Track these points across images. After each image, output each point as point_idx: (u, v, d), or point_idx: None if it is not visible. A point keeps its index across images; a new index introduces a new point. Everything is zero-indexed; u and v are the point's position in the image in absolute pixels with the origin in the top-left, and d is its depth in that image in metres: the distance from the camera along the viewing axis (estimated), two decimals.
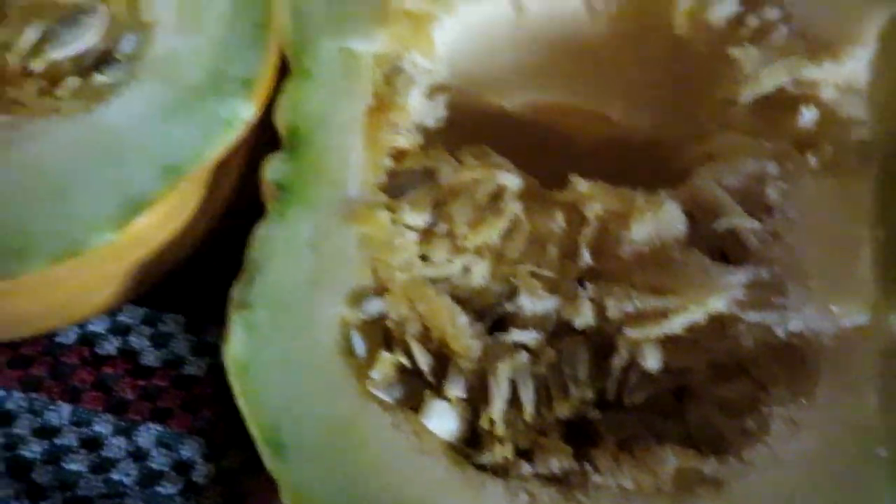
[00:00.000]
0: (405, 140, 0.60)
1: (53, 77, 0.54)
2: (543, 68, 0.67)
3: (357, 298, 0.55)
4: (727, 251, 0.59)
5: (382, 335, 0.56)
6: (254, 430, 0.51)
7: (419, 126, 0.62)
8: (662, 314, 0.56)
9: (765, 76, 0.59)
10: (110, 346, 0.66)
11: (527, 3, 0.66)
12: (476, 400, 0.55)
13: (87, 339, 0.66)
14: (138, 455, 0.63)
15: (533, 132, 0.66)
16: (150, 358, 0.66)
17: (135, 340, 0.66)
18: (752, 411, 0.54)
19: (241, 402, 0.51)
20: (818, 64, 0.59)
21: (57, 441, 0.63)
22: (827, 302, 0.54)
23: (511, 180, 0.60)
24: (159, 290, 0.64)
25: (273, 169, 0.56)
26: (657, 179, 0.61)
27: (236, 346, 0.52)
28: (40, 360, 0.65)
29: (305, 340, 0.53)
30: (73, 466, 0.62)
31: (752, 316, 0.55)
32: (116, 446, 0.63)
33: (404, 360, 0.55)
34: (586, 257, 0.59)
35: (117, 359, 0.65)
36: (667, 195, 0.59)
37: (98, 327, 0.66)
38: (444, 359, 0.56)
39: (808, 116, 0.59)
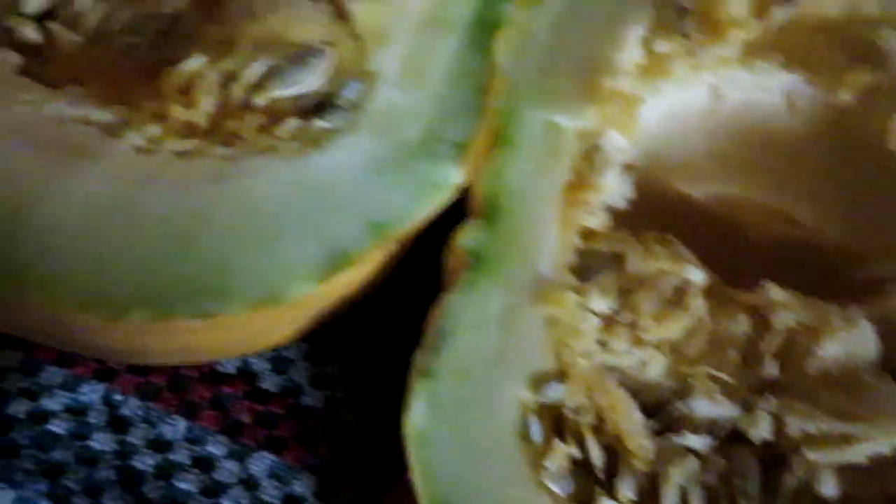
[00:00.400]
0: (596, 220, 0.58)
1: (274, 114, 0.53)
2: (734, 159, 0.64)
3: (538, 382, 0.53)
4: None
5: (557, 421, 0.54)
6: (423, 500, 0.49)
7: (609, 207, 0.60)
8: (847, 440, 0.53)
9: None
10: (230, 365, 0.64)
11: (726, 90, 0.63)
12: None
13: None
14: (250, 483, 0.61)
15: (717, 224, 0.64)
16: (269, 382, 0.64)
17: (255, 362, 0.64)
18: None
19: (416, 472, 0.50)
20: None
21: (170, 456, 0.61)
22: None
23: (697, 275, 0.58)
24: None
25: (468, 237, 0.55)
26: (842, 290, 0.58)
27: (418, 416, 0.51)
28: (160, 369, 0.63)
29: (485, 419, 0.52)
30: (184, 486, 0.60)
31: None
32: (229, 470, 0.61)
33: (576, 452, 0.53)
34: (770, 368, 0.56)
35: (236, 378, 0.64)
36: (860, 314, 0.56)
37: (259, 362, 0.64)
38: (614, 454, 0.54)
39: None
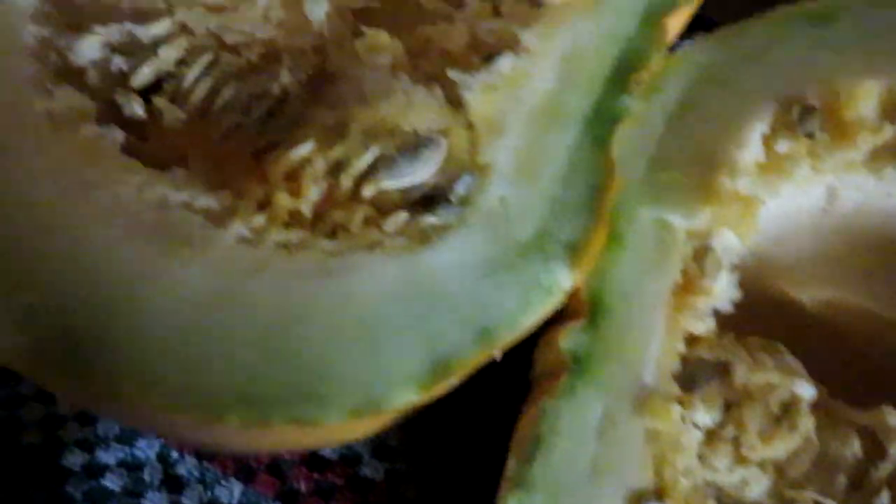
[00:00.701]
0: (702, 325, 0.55)
1: (381, 206, 0.50)
2: (847, 264, 0.61)
3: (637, 499, 0.50)
4: None
5: None
6: None
7: (715, 310, 0.57)
8: None
9: None
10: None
11: (842, 192, 0.60)
12: None
13: None
14: None
15: (827, 332, 0.60)
16: (328, 449, 0.62)
17: None
18: None
19: None
20: None
21: None
22: None
23: (806, 390, 0.54)
24: None
25: (570, 339, 0.52)
26: None
27: None
28: None
29: None
30: None
31: None
32: None
33: None
34: (883, 500, 0.52)
35: None
36: None
37: None
38: None
39: None
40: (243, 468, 0.60)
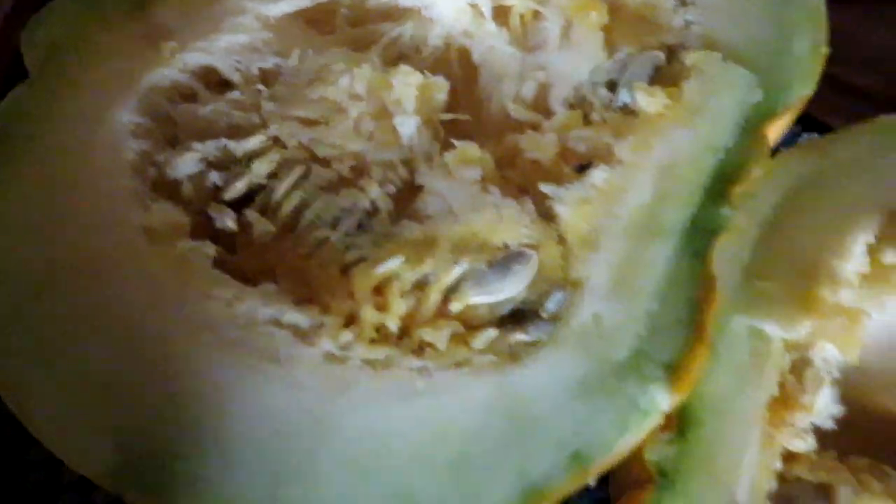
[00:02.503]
0: (802, 443, 0.50)
1: (469, 322, 0.47)
2: None
3: None
4: None
5: None
6: None
7: (816, 428, 0.51)
8: None
9: None
10: None
11: None
12: None
13: None
14: None
15: None
16: None
17: None
18: None
19: None
20: None
21: None
22: None
23: None
24: None
25: (658, 450, 0.48)
26: None
27: None
28: None
29: None
30: None
31: None
32: None
33: None
34: None
35: None
36: None
37: None
38: None
39: None
40: None
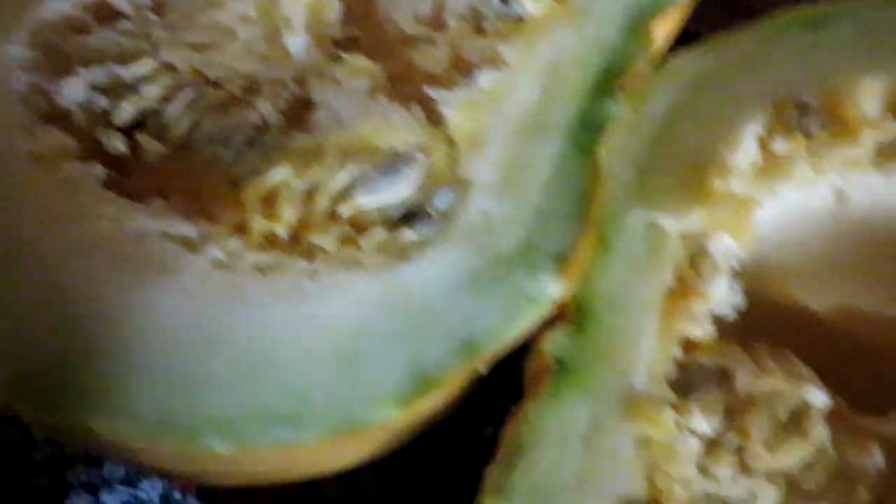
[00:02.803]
0: (700, 330, 0.50)
1: (359, 225, 0.48)
2: (860, 268, 0.55)
3: None
4: None
5: None
6: None
7: (715, 316, 0.52)
8: None
9: None
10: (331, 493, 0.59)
11: (850, 192, 0.54)
12: None
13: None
14: None
15: (842, 341, 0.54)
16: (332, 490, 0.59)
17: None
18: None
19: None
20: None
21: None
22: None
23: (818, 397, 0.49)
24: None
25: (555, 342, 0.48)
26: None
27: None
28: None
29: None
30: None
31: None
32: None
33: None
34: None
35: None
36: None
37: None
38: None
39: None
40: None
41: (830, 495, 0.47)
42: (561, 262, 0.46)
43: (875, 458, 0.47)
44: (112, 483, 0.59)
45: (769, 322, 0.53)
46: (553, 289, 0.45)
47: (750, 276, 0.53)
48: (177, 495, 0.59)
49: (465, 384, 0.49)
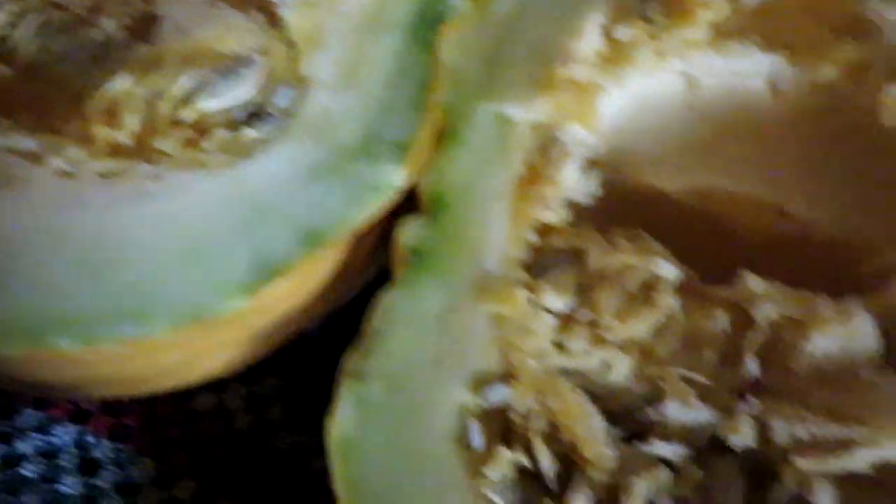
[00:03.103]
0: (554, 216, 0.51)
1: (202, 129, 0.49)
2: (713, 150, 0.56)
3: (480, 384, 0.46)
4: None
5: (503, 428, 0.46)
6: None
7: (570, 202, 0.53)
8: (844, 446, 0.43)
9: None
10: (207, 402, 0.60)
11: (701, 77, 0.56)
12: None
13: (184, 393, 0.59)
14: None
15: (696, 220, 0.55)
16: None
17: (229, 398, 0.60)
18: None
19: (339, 484, 0.43)
20: None
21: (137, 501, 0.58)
22: None
23: (668, 270, 0.50)
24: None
25: (409, 233, 0.49)
26: (839, 286, 0.49)
27: (343, 422, 0.44)
28: (134, 410, 0.60)
29: (419, 425, 0.45)
30: None
31: None
32: None
33: (525, 461, 0.45)
34: (751, 367, 0.47)
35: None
36: (857, 305, 0.46)
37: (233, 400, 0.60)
38: (570, 464, 0.46)
39: None
40: (156, 445, 0.59)
41: (680, 359, 0.48)
42: (402, 150, 0.47)
43: (720, 322, 0.48)
44: (25, 431, 0.59)
45: (626, 207, 0.55)
46: (396, 177, 0.47)
47: (606, 165, 0.55)
48: (90, 439, 0.59)
49: (330, 282, 0.50)
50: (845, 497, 0.43)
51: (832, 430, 0.44)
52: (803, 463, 0.44)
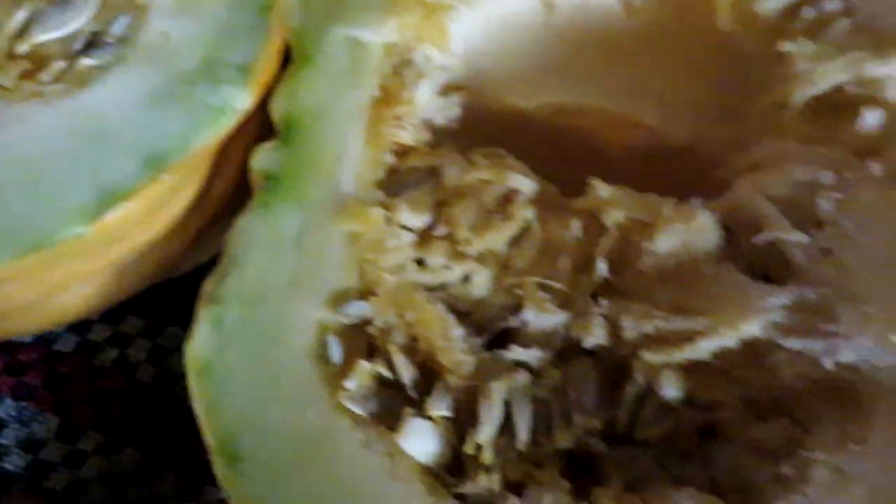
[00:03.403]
0: (411, 136, 0.52)
1: (39, 60, 0.48)
2: (570, 68, 0.57)
3: (338, 300, 0.47)
4: (769, 270, 0.47)
5: (364, 342, 0.47)
6: (209, 436, 0.43)
7: (428, 123, 0.54)
8: (687, 337, 0.45)
9: (821, 74, 0.48)
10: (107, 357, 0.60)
11: None
12: (464, 422, 0.46)
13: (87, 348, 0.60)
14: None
15: (556, 137, 0.57)
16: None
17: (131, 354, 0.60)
18: (790, 456, 0.42)
19: (198, 405, 0.44)
20: (884, 60, 0.48)
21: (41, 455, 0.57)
22: (886, 330, 0.42)
23: (524, 183, 0.51)
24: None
25: (262, 157, 0.49)
26: (695, 192, 0.50)
27: (200, 343, 0.45)
28: (36, 367, 0.59)
29: (277, 343, 0.45)
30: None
31: (795, 344, 0.44)
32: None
33: (385, 372, 0.46)
34: (602, 270, 0.48)
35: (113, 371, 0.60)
36: (700, 204, 0.48)
37: (97, 335, 0.60)
38: (432, 374, 0.47)
39: (870, 119, 0.47)
40: (60, 403, 0.59)
41: (538, 268, 0.49)
42: (245, 73, 0.47)
43: (574, 230, 0.50)
44: None
45: (486, 128, 0.56)
46: (239, 99, 0.47)
47: (466, 87, 0.56)
48: (29, 412, 0.58)
49: (187, 212, 0.49)
50: (690, 384, 0.45)
51: (676, 324, 0.46)
52: (650, 356, 0.45)
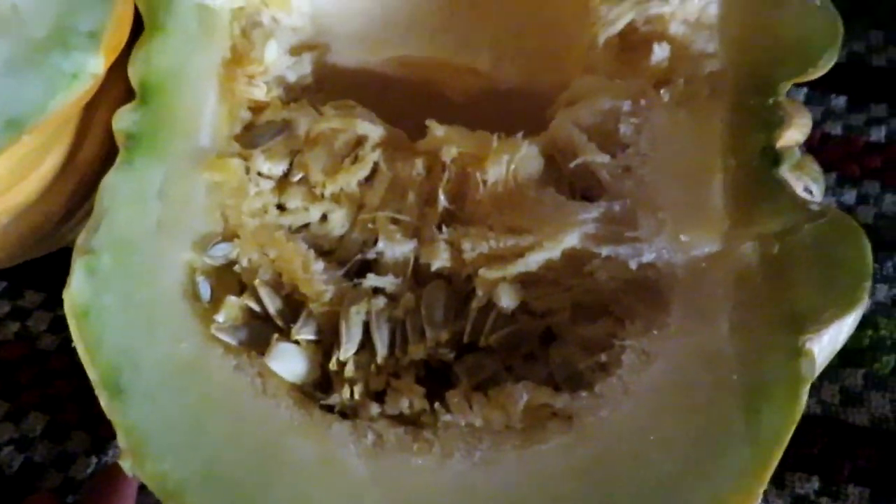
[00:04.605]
0: (263, 93, 0.56)
1: None
2: (410, 23, 0.63)
3: (204, 244, 0.51)
4: (586, 190, 0.55)
5: (236, 282, 0.52)
6: (92, 373, 0.47)
7: (281, 81, 0.58)
8: (518, 253, 0.52)
9: (616, 15, 0.56)
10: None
11: None
12: (329, 344, 0.51)
13: None
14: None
15: (402, 89, 0.62)
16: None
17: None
18: (608, 346, 0.49)
19: (80, 347, 0.47)
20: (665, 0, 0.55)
21: None
22: (678, 232, 0.50)
23: (371, 129, 0.57)
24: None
25: (122, 118, 0.53)
26: (528, 130, 0.57)
27: (77, 291, 0.48)
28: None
29: (149, 285, 0.50)
30: None
31: (606, 250, 0.51)
32: None
33: (253, 305, 0.51)
34: (443, 201, 0.55)
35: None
36: (522, 136, 0.55)
37: None
38: (297, 306, 0.52)
39: (659, 53, 0.55)
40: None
41: (389, 204, 0.55)
42: (95, 38, 0.51)
43: (418, 168, 0.56)
44: None
45: (338, 82, 0.61)
46: (91, 64, 0.50)
47: (316, 45, 0.61)
48: None
49: (56, 174, 0.52)
50: (527, 295, 0.52)
51: (509, 243, 0.52)
52: (488, 273, 0.52)
